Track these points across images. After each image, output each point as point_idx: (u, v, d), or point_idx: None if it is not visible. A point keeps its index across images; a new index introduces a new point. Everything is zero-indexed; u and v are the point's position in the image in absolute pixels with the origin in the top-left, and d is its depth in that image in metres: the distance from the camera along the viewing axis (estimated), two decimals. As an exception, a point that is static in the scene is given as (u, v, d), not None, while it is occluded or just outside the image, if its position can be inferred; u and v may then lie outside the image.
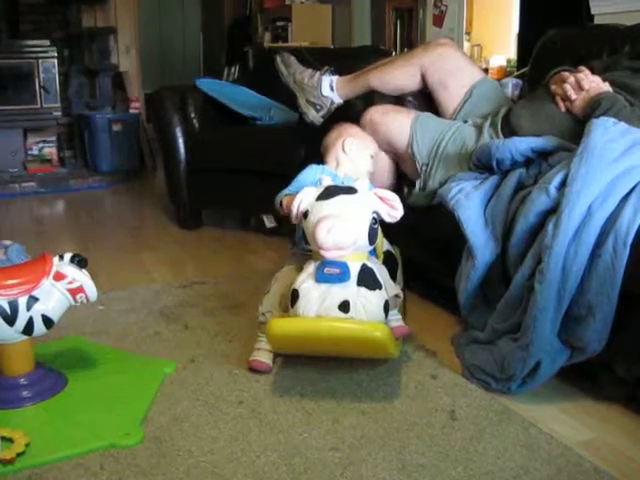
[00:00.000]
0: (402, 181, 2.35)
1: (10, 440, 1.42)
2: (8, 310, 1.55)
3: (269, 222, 3.26)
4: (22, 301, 1.57)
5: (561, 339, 1.59)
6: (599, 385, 1.66)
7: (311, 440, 1.47)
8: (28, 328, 1.58)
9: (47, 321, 1.60)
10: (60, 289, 1.60)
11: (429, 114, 2.30)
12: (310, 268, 1.66)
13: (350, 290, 1.60)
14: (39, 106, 4.77)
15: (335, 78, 2.48)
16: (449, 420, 1.55)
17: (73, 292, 1.61)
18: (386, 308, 1.65)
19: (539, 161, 1.84)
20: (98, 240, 3.34)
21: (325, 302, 1.60)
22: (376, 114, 2.26)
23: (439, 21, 4.53)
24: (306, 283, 1.63)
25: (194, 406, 1.62)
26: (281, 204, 1.91)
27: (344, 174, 1.95)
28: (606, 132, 1.64)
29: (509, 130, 2.09)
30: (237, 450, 1.44)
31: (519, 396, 1.65)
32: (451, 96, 2.33)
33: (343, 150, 2.01)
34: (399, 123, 2.24)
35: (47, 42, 4.75)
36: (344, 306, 1.59)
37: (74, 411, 1.60)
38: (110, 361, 1.85)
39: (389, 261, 1.94)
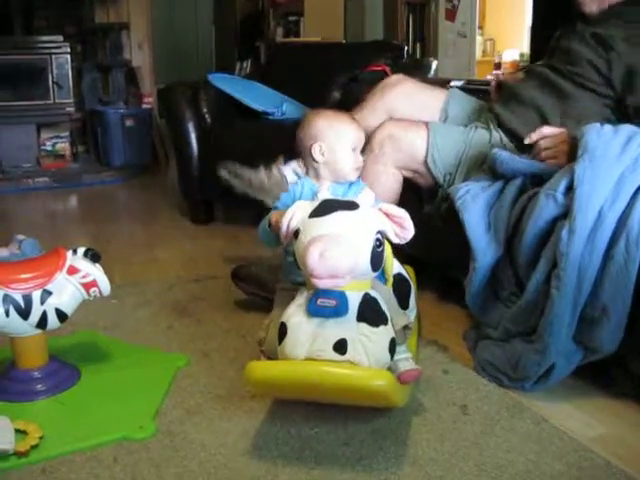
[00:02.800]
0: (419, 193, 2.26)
1: (24, 433, 1.43)
2: (22, 304, 1.56)
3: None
4: (36, 295, 1.58)
5: (575, 340, 1.59)
6: (612, 381, 1.65)
7: (323, 434, 1.47)
8: (42, 322, 1.60)
9: (61, 315, 1.62)
10: (74, 283, 1.62)
11: (438, 123, 2.24)
12: (301, 298, 1.41)
13: (348, 326, 1.35)
14: (52, 102, 4.78)
15: (293, 162, 2.25)
16: (461, 415, 1.55)
17: (86, 286, 1.63)
18: (392, 347, 1.40)
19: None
20: (111, 235, 3.35)
21: (318, 341, 1.34)
22: (395, 129, 2.11)
23: (451, 15, 4.50)
24: (296, 316, 1.38)
25: (207, 400, 1.63)
26: (270, 223, 1.65)
27: (328, 184, 1.71)
28: (600, 134, 1.63)
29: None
30: (249, 444, 1.44)
31: (530, 391, 1.65)
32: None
33: (314, 160, 1.71)
34: (417, 135, 2.11)
35: (60, 38, 4.76)
36: (340, 346, 1.33)
37: (87, 404, 1.61)
38: (123, 355, 1.86)
39: (400, 286, 1.63)
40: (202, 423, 1.53)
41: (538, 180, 1.80)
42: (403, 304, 1.60)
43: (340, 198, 1.51)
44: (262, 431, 1.49)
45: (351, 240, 1.33)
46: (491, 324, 1.82)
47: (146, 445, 1.44)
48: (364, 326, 1.36)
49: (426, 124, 2.14)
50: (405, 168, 2.13)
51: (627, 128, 1.65)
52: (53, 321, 1.61)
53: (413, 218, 1.46)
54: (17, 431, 1.42)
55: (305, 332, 1.35)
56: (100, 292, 1.65)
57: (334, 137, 1.69)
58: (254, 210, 3.53)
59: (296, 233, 1.40)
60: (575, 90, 2.04)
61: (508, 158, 1.85)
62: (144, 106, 5.11)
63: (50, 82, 4.75)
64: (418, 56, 4.69)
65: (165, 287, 2.44)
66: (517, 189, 1.82)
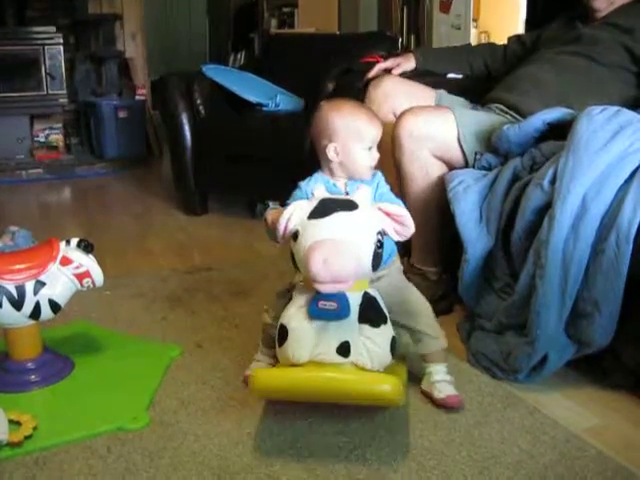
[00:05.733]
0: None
1: (18, 423, 1.43)
2: (15, 295, 1.56)
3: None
4: (29, 286, 1.58)
5: (568, 334, 1.60)
6: (604, 372, 1.66)
7: (317, 424, 1.48)
8: (35, 312, 1.59)
9: (54, 306, 1.61)
10: (67, 274, 1.61)
11: (457, 108, 2.13)
12: (301, 299, 1.38)
13: (350, 328, 1.34)
14: (45, 93, 4.76)
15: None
16: (454, 405, 1.56)
17: (80, 277, 1.62)
18: (393, 346, 1.40)
19: (532, 151, 1.83)
20: (104, 226, 3.34)
21: (320, 344, 1.33)
22: (415, 126, 1.96)
23: (446, 7, 4.49)
24: (296, 320, 1.36)
25: (200, 390, 1.63)
26: (266, 220, 1.55)
27: (344, 182, 1.59)
28: (590, 122, 1.63)
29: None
30: (243, 434, 1.44)
31: (523, 382, 1.65)
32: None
33: (329, 159, 1.57)
34: (443, 118, 1.99)
35: (53, 29, 4.73)
36: (343, 349, 1.33)
37: (81, 395, 1.61)
38: (117, 346, 1.86)
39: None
40: (196, 413, 1.53)
41: (530, 162, 1.81)
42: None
43: (338, 197, 1.44)
44: (256, 421, 1.49)
45: (353, 244, 1.30)
46: (485, 315, 1.83)
47: (140, 435, 1.44)
48: (366, 327, 1.35)
49: (443, 107, 2.11)
50: (440, 154, 2.01)
51: (624, 116, 1.65)
52: (46, 312, 1.61)
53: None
54: (11, 422, 1.42)
55: (307, 335, 1.34)
56: (93, 283, 1.65)
57: (351, 138, 1.55)
58: (248, 201, 3.55)
59: (295, 235, 1.35)
60: (597, 71, 2.08)
61: (513, 134, 1.85)
62: (137, 97, 5.09)
63: (43, 73, 4.72)
64: (412, 48, 4.68)
65: (159, 278, 2.44)
66: (510, 175, 1.82)
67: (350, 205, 1.36)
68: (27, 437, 1.40)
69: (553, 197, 1.58)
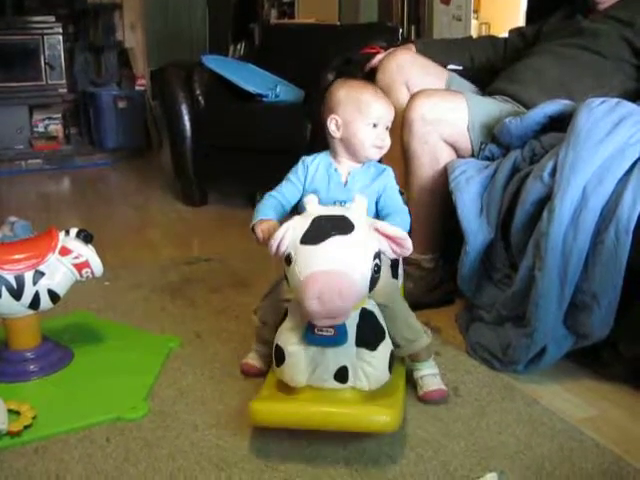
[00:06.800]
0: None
1: (17, 413, 1.43)
2: (14, 285, 1.56)
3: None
4: (28, 276, 1.58)
5: (566, 325, 1.60)
6: (602, 362, 1.66)
7: (315, 415, 1.48)
8: (34, 302, 1.59)
9: (53, 296, 1.62)
10: (66, 264, 1.61)
11: (470, 94, 2.11)
12: (295, 318, 1.34)
13: (348, 352, 1.31)
14: (44, 83, 4.76)
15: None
16: (452, 396, 1.56)
17: (79, 267, 1.62)
18: (391, 362, 1.37)
19: (532, 142, 1.83)
20: (104, 217, 3.35)
21: (318, 370, 1.32)
22: (427, 109, 1.92)
23: (447, -2, 4.48)
24: (293, 344, 1.32)
25: (199, 380, 1.64)
26: (252, 228, 1.49)
27: (346, 163, 1.53)
28: (590, 113, 1.62)
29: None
30: (242, 423, 1.44)
31: (522, 373, 1.66)
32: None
33: (331, 135, 1.50)
34: (453, 111, 1.96)
35: (52, 18, 4.73)
36: (341, 375, 1.31)
37: (80, 385, 1.61)
38: (116, 336, 1.86)
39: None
40: (194, 403, 1.53)
41: (530, 154, 1.81)
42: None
43: (332, 213, 1.34)
44: (255, 412, 1.50)
45: (349, 276, 1.23)
46: (484, 306, 1.83)
47: (139, 425, 1.44)
48: (363, 351, 1.32)
49: (457, 92, 2.08)
50: (451, 140, 1.98)
51: (624, 108, 1.64)
52: (45, 302, 1.61)
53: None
54: (10, 411, 1.43)
55: (304, 360, 1.32)
56: (93, 273, 1.65)
57: (352, 110, 1.47)
58: (247, 192, 3.55)
59: (288, 258, 1.29)
60: (599, 63, 2.08)
61: (515, 127, 1.84)
62: (137, 88, 5.08)
63: (42, 63, 4.72)
64: (413, 39, 4.67)
65: (158, 269, 2.44)
66: (511, 167, 1.82)
67: (345, 226, 1.28)
68: (26, 427, 1.40)
69: (553, 189, 1.58)
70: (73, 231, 1.65)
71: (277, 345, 1.36)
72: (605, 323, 1.53)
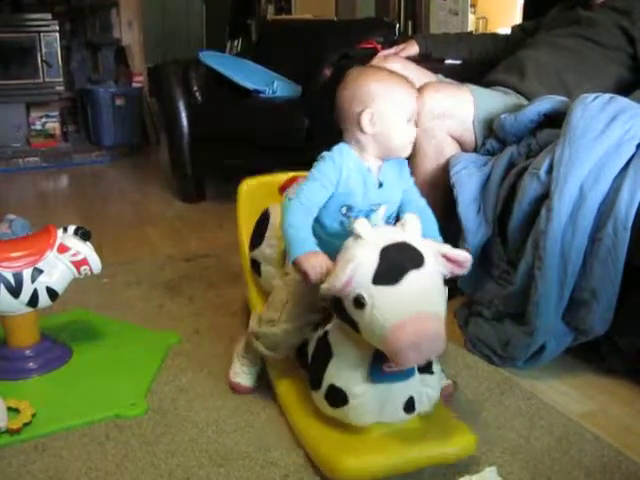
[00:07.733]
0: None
1: (16, 410, 1.43)
2: (13, 282, 1.56)
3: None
4: (27, 273, 1.57)
5: (565, 322, 1.60)
6: (601, 357, 1.66)
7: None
8: (33, 300, 1.59)
9: (51, 293, 1.61)
10: (64, 261, 1.61)
11: (475, 88, 2.07)
12: (348, 352, 1.24)
13: (414, 382, 1.25)
14: (41, 80, 4.75)
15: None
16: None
17: (77, 264, 1.62)
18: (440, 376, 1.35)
19: (528, 138, 1.83)
20: (101, 214, 3.34)
21: (387, 406, 1.24)
22: (436, 102, 1.90)
23: (444, -7, 4.48)
24: (356, 384, 1.23)
25: (198, 377, 1.64)
26: (295, 262, 1.26)
27: (374, 160, 1.37)
28: (585, 110, 1.62)
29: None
30: (241, 420, 1.45)
31: (521, 369, 1.66)
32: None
33: (361, 130, 1.34)
34: (460, 105, 1.94)
35: (49, 16, 4.71)
36: (409, 406, 1.26)
37: (79, 382, 1.61)
38: (115, 333, 1.86)
39: None
40: (193, 400, 1.53)
41: (526, 150, 1.81)
42: None
43: (395, 240, 1.18)
44: (253, 408, 1.50)
45: (440, 315, 1.15)
46: (483, 302, 1.83)
47: (138, 422, 1.44)
48: (426, 377, 1.28)
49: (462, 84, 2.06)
50: (457, 134, 1.96)
51: (618, 103, 1.64)
52: (44, 299, 1.61)
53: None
54: (9, 409, 1.43)
55: (372, 400, 1.24)
56: (91, 270, 1.64)
57: (389, 104, 1.33)
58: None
59: (357, 301, 1.14)
60: (594, 52, 2.09)
61: (509, 125, 1.84)
62: (134, 85, 5.07)
63: (39, 61, 4.71)
64: (409, 34, 4.66)
65: (156, 266, 2.44)
66: (507, 162, 1.82)
67: (416, 257, 1.16)
68: (26, 424, 1.40)
69: (550, 187, 1.58)
70: (71, 228, 1.65)
71: (336, 388, 1.25)
72: (604, 319, 1.54)
